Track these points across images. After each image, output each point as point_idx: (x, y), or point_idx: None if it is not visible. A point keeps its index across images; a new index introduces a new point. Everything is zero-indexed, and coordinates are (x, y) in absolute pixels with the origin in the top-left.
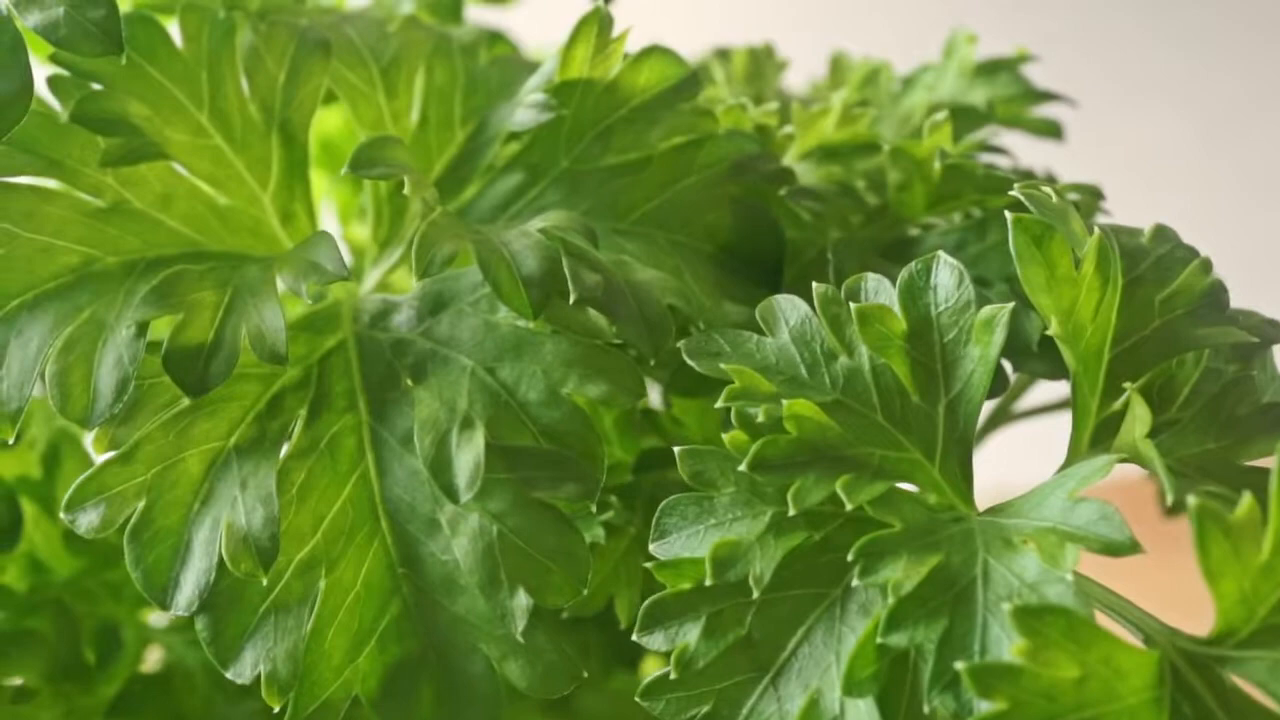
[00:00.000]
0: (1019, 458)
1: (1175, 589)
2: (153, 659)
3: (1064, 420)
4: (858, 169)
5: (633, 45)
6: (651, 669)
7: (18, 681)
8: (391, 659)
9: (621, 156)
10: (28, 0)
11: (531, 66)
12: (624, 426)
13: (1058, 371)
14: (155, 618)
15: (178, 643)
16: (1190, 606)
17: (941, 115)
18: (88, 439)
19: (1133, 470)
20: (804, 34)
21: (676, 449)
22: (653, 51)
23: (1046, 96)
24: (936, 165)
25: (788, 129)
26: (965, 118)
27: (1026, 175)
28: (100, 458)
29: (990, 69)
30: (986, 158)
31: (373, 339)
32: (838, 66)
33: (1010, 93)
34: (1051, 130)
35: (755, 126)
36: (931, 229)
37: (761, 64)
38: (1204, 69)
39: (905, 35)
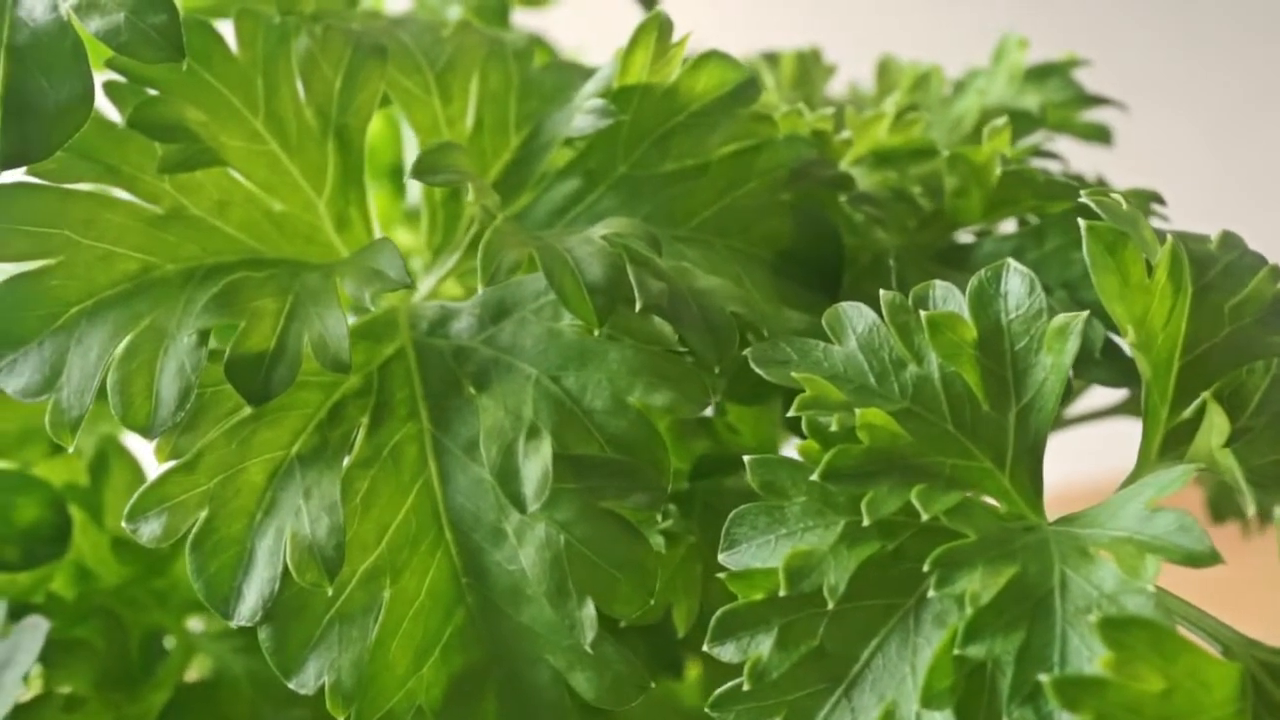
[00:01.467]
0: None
1: (1224, 594)
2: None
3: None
4: (912, 174)
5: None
6: (694, 675)
7: (67, 690)
8: (455, 669)
9: (680, 162)
10: (88, 6)
11: (584, 71)
12: (678, 433)
13: (1119, 379)
14: (199, 625)
15: (223, 650)
16: (1240, 613)
17: (1001, 121)
18: (136, 445)
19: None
20: (803, 36)
21: (746, 458)
22: (711, 56)
23: (1097, 101)
24: (997, 171)
25: (845, 134)
26: (1017, 123)
27: (1079, 180)
28: (161, 467)
29: (1041, 73)
30: (1038, 163)
31: (432, 346)
32: (885, 70)
33: (1062, 97)
34: (1101, 135)
35: (812, 132)
36: (986, 235)
37: (809, 68)
38: (1205, 70)
39: (906, 37)
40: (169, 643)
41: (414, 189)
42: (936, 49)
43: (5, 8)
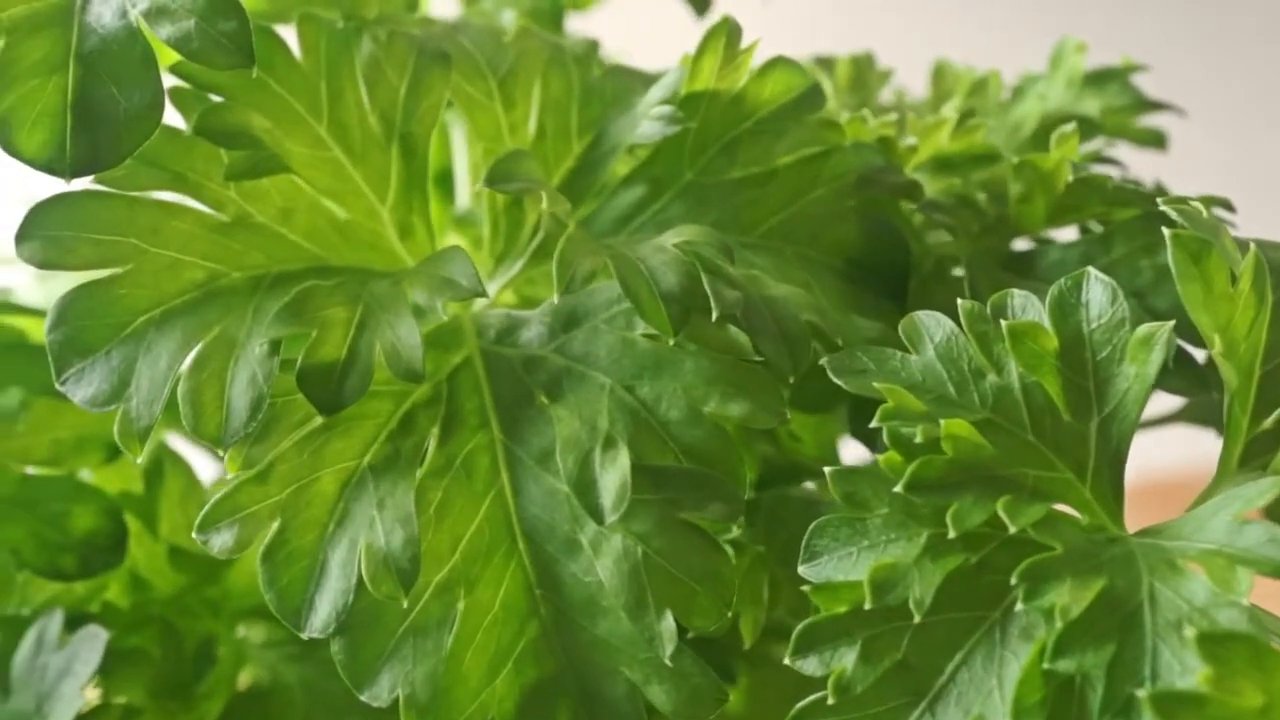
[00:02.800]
0: None
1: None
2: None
3: None
4: (974, 180)
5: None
6: (745, 684)
7: (124, 699)
8: (528, 681)
9: (747, 169)
10: (158, 11)
11: (643, 77)
12: (741, 442)
13: (1191, 388)
14: (248, 633)
15: (274, 659)
16: None
17: (1070, 127)
18: (191, 453)
19: (1169, 472)
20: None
21: (827, 469)
22: (778, 62)
23: (1156, 106)
24: (1068, 178)
25: (910, 140)
26: (1079, 128)
27: (1138, 185)
28: (230, 476)
29: (1099, 78)
30: (1098, 169)
31: (501, 355)
32: (939, 75)
33: (1121, 103)
34: (1157, 141)
35: (877, 138)
36: (1047, 242)
37: (864, 73)
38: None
39: (912, 39)
40: (219, 651)
41: (462, 194)
42: (939, 50)
43: (74, 14)
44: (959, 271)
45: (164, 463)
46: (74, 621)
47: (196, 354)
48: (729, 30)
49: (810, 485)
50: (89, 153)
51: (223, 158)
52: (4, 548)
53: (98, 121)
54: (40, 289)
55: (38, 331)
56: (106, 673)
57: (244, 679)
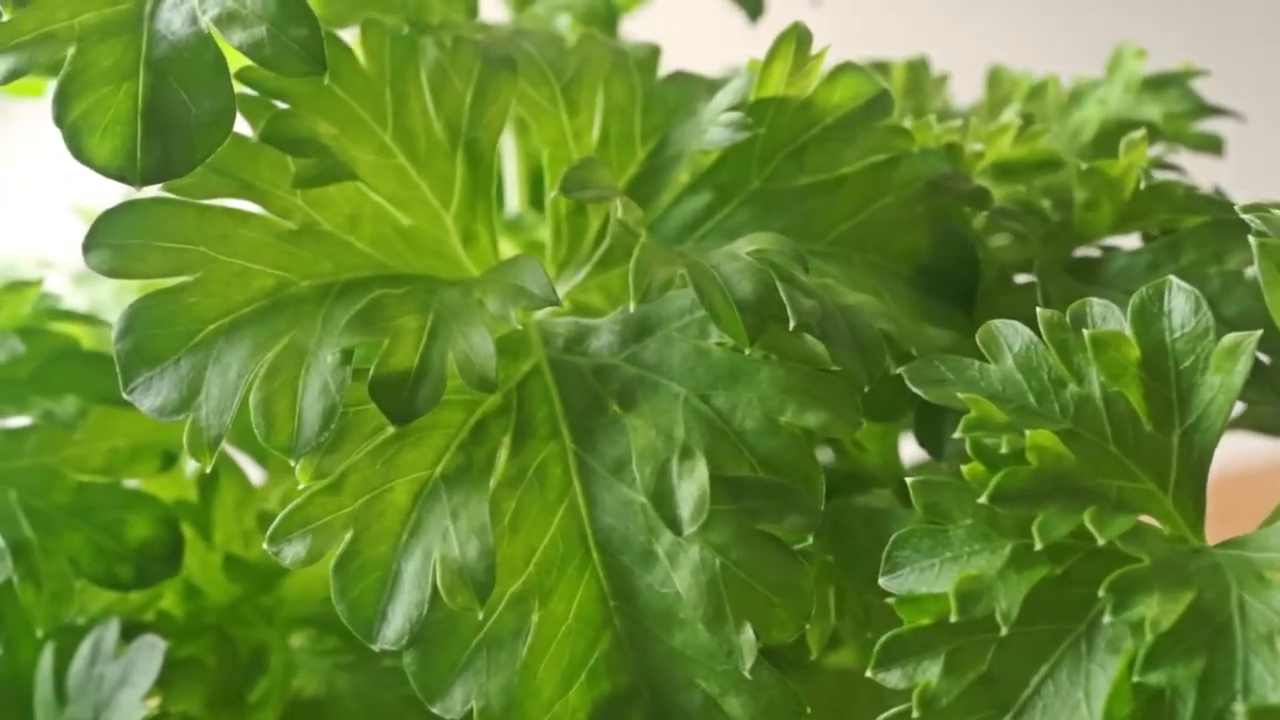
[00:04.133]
0: None
1: None
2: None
3: None
4: (1036, 186)
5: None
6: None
7: (180, 709)
8: (601, 693)
9: (815, 176)
10: (229, 18)
11: (705, 83)
12: None
13: (1266, 395)
14: (302, 642)
15: (328, 668)
16: None
17: (1139, 134)
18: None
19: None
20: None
21: (909, 480)
22: (846, 69)
23: (1215, 111)
24: (1139, 184)
25: (976, 147)
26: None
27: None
28: (302, 487)
29: (1158, 83)
30: (1159, 174)
31: (570, 364)
32: (996, 80)
33: (1181, 108)
34: (1214, 145)
35: (944, 144)
36: (1113, 249)
37: (920, 78)
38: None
39: (918, 41)
40: (272, 660)
41: (511, 200)
42: (952, 52)
43: (143, 20)
44: (1021, 278)
45: (219, 471)
46: (128, 630)
47: (268, 363)
48: (799, 36)
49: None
50: (160, 160)
51: (289, 165)
52: (62, 556)
53: (168, 129)
54: (81, 293)
55: (86, 337)
56: (163, 683)
57: (298, 688)
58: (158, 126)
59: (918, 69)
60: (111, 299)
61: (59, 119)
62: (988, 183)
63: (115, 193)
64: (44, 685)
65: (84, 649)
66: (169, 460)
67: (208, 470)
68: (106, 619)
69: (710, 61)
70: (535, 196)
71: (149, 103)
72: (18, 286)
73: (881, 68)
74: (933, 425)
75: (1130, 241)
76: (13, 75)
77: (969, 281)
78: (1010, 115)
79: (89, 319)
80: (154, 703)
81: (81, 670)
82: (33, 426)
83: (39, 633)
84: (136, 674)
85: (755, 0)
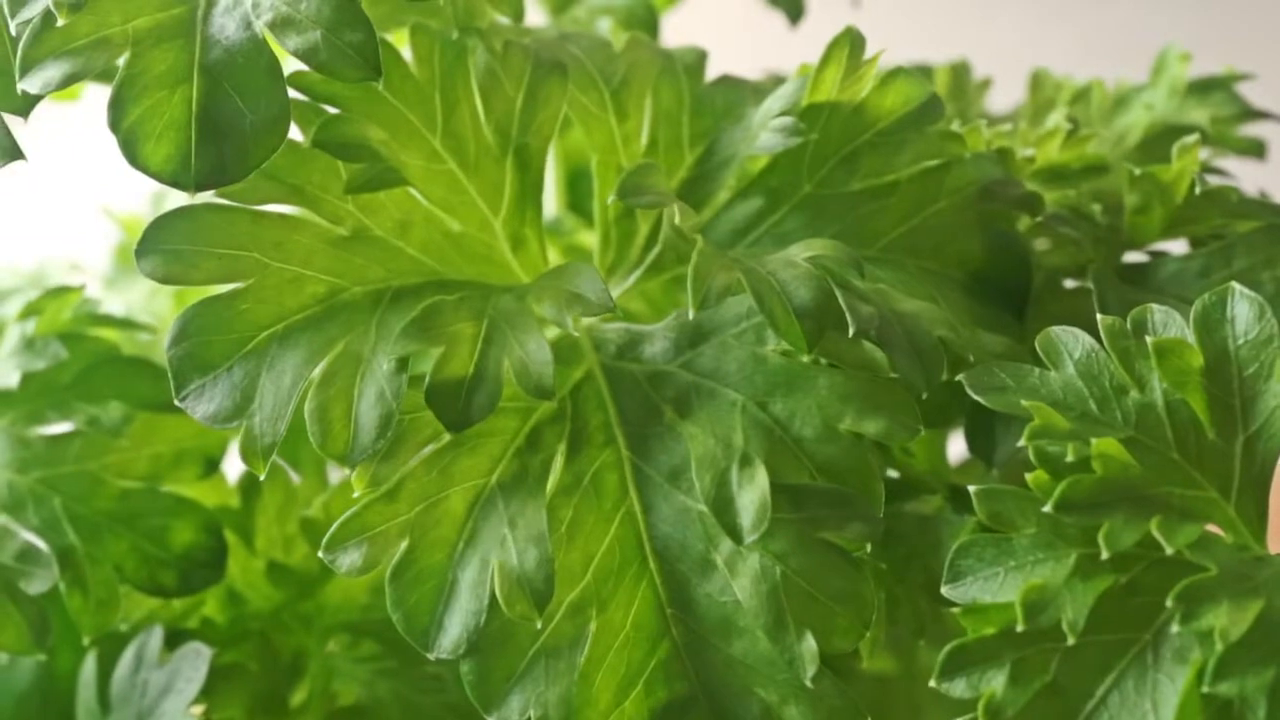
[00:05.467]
0: None
1: None
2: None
3: None
4: (1085, 190)
5: None
6: None
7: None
8: (658, 702)
9: (868, 181)
10: (284, 23)
11: (753, 87)
12: None
13: None
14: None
15: (367, 674)
16: None
17: (1192, 138)
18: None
19: None
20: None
21: (972, 488)
22: (898, 73)
23: (1260, 115)
24: (1194, 190)
25: (1028, 152)
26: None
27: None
28: (357, 494)
29: (1203, 88)
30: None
31: (624, 370)
32: (1038, 84)
33: (1226, 113)
34: (1257, 150)
35: (995, 149)
36: (1162, 254)
37: (963, 82)
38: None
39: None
40: (313, 667)
41: (549, 204)
42: (954, 52)
43: (195, 25)
44: (1067, 283)
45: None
46: (171, 638)
47: (322, 370)
48: (852, 41)
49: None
50: (214, 166)
51: (340, 170)
52: (107, 563)
53: (223, 134)
54: (112, 297)
55: (127, 343)
56: (206, 690)
57: (339, 694)
58: (212, 132)
59: (960, 73)
60: (143, 302)
61: (114, 125)
62: (1036, 187)
63: (135, 195)
64: (86, 692)
65: (127, 656)
66: (211, 466)
67: (261, 477)
68: (149, 626)
69: (737, 63)
70: (572, 200)
71: (203, 108)
72: (59, 292)
73: (922, 72)
74: (984, 432)
75: (1175, 247)
76: (69, 80)
77: (1022, 287)
78: (1057, 119)
79: (128, 324)
80: (199, 710)
81: (125, 677)
82: (75, 432)
83: (85, 640)
84: (182, 681)
85: (796, 3)
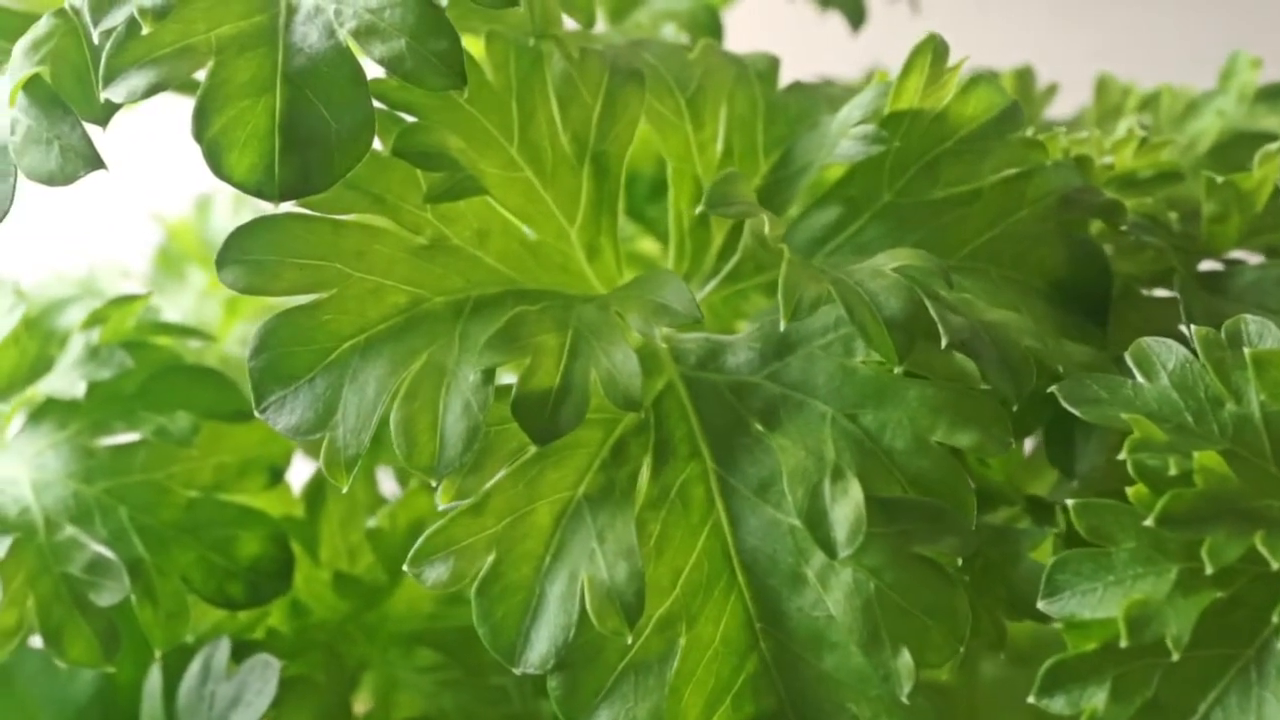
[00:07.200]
0: None
1: None
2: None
3: None
4: (1159, 198)
5: None
6: None
7: None
8: (746, 717)
9: (950, 190)
10: (368, 31)
11: (826, 93)
12: None
13: None
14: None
15: (430, 685)
16: None
17: (1274, 146)
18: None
19: None
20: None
21: (1069, 501)
22: (979, 80)
23: None
24: (1265, 197)
25: (1106, 159)
26: (1257, 145)
27: None
28: (443, 507)
29: (1273, 94)
30: None
31: (705, 381)
32: (1104, 89)
33: None
34: None
35: (1075, 157)
36: (1239, 263)
37: (1028, 88)
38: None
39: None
40: (376, 678)
41: None
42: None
43: (277, 33)
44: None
45: (325, 487)
46: (237, 649)
47: (407, 382)
48: (935, 48)
49: None
50: (298, 176)
51: (418, 179)
52: (175, 574)
53: (307, 143)
54: (170, 306)
55: (188, 352)
56: (274, 702)
57: (402, 706)
58: (296, 141)
59: (1025, 79)
60: (193, 309)
61: (198, 135)
62: (1112, 194)
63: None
64: (151, 704)
65: (194, 668)
66: (276, 476)
67: (344, 490)
68: (215, 638)
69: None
70: (631, 206)
71: (286, 117)
72: (123, 300)
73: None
74: (1064, 443)
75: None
76: (154, 89)
77: (1103, 296)
78: (1131, 126)
79: (188, 331)
80: None
81: (192, 690)
82: (140, 442)
83: (155, 652)
84: (251, 694)
85: (857, 8)
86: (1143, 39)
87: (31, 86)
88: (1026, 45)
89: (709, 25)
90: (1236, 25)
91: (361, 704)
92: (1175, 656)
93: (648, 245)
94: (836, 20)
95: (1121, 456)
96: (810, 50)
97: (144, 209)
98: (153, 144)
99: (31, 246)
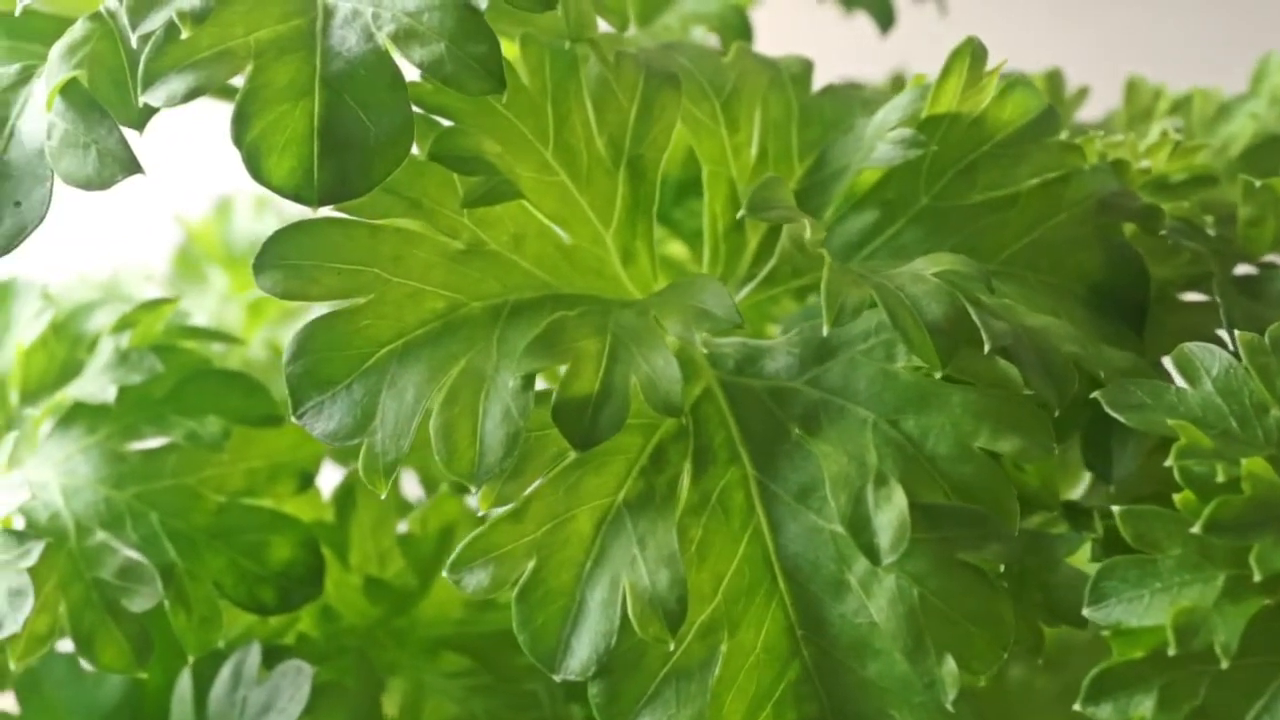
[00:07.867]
0: None
1: None
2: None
3: None
4: (1194, 202)
5: None
6: None
7: None
8: None
9: (988, 194)
10: (407, 35)
11: (860, 96)
12: None
13: None
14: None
15: (460, 690)
16: None
17: None
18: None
19: None
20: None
21: (1115, 509)
22: (1016, 84)
23: None
24: None
25: (1144, 164)
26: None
27: None
28: (482, 514)
29: None
30: None
31: (744, 386)
32: (1134, 92)
33: None
34: None
35: (1111, 161)
36: (1273, 267)
37: (1059, 91)
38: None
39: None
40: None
41: None
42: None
43: (315, 37)
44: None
45: (355, 491)
46: (267, 655)
47: (446, 388)
48: (974, 51)
49: None
50: (336, 180)
51: (455, 183)
52: (206, 580)
53: (346, 148)
54: (191, 309)
55: (216, 356)
56: (306, 708)
57: (432, 711)
58: (334, 145)
59: (1055, 81)
60: (215, 312)
61: (237, 139)
62: (1147, 198)
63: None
64: (181, 709)
65: (225, 673)
66: (306, 480)
67: (383, 496)
68: (246, 643)
69: None
70: (657, 209)
71: (325, 121)
72: (153, 304)
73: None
74: (1101, 448)
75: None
76: (193, 94)
77: (1141, 300)
78: (1165, 130)
79: (216, 335)
80: None
81: (223, 695)
82: (170, 446)
83: (188, 658)
84: (284, 700)
85: (886, 11)
86: (1149, 39)
87: (69, 90)
88: (1026, 45)
89: (738, 27)
90: (1237, 25)
91: (391, 709)
92: (1225, 664)
93: (674, 248)
94: (842, 20)
95: (1167, 463)
96: (821, 50)
97: (156, 211)
98: (169, 146)
99: (47, 248)
